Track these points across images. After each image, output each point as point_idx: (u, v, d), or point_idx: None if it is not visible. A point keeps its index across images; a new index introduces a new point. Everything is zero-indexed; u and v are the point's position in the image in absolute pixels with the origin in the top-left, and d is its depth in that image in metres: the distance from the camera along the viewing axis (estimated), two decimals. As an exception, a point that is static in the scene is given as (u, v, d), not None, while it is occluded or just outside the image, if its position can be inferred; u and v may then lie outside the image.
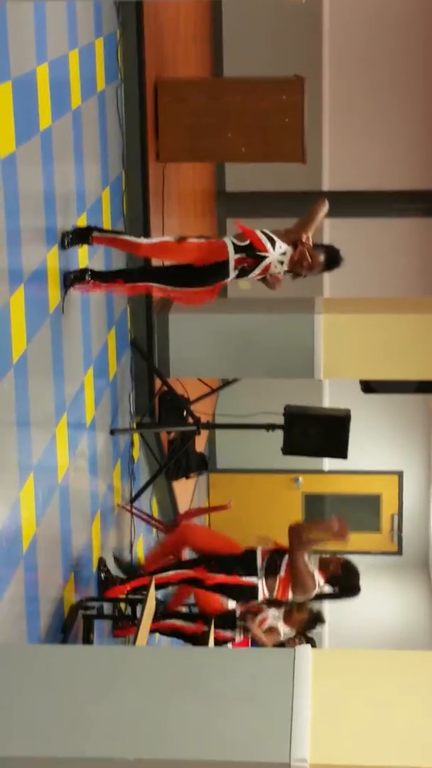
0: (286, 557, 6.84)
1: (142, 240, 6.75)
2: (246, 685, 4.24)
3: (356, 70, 12.80)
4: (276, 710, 4.11)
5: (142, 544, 8.73)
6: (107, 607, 7.11)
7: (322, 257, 6.53)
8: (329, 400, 13.29)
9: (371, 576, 14.39)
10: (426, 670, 4.40)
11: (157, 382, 8.58)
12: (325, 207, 6.57)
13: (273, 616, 6.77)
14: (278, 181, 12.27)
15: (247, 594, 6.87)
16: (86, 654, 4.79)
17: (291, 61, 11.69)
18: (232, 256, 6.39)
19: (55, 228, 6.14)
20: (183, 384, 8.94)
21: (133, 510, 8.14)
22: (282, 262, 6.49)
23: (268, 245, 6.41)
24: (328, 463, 13.55)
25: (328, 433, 8.24)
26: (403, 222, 13.15)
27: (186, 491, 10.48)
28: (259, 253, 6.39)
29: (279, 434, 8.38)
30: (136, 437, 8.52)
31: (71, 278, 6.32)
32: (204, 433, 9.23)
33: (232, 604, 7.03)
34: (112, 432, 7.57)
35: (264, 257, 6.41)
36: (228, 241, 6.43)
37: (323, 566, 6.89)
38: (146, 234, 8.13)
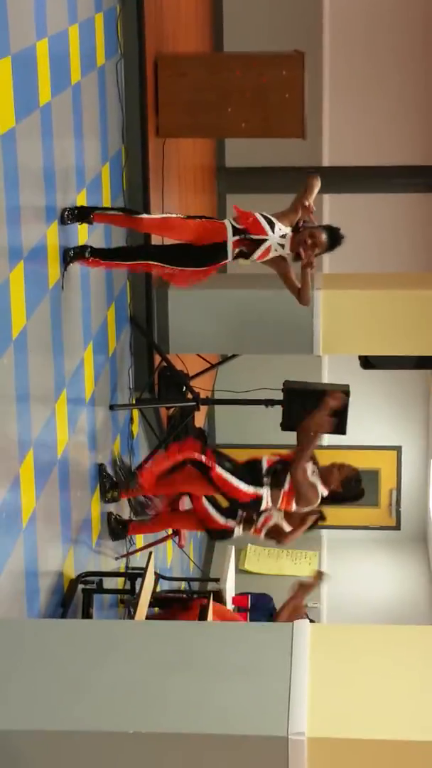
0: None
1: (143, 216, 6.75)
2: (244, 658, 4.28)
3: (357, 45, 12.75)
4: (274, 684, 4.14)
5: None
6: (107, 582, 7.15)
7: (324, 236, 6.51)
8: (328, 375, 13.30)
9: (369, 550, 14.46)
10: (423, 644, 4.43)
11: (157, 358, 8.59)
12: (318, 182, 6.55)
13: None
14: (278, 157, 12.24)
15: (250, 505, 6.90)
16: (85, 628, 4.82)
17: (291, 37, 11.63)
18: (231, 238, 6.39)
19: (54, 204, 6.14)
20: (182, 360, 8.95)
21: (133, 485, 8.16)
22: (282, 245, 6.48)
23: (267, 228, 6.40)
24: (327, 439, 13.57)
25: (327, 409, 8.24)
26: (403, 197, 13.13)
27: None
28: (255, 237, 6.38)
29: (278, 410, 8.40)
30: (136, 413, 8.54)
31: (71, 255, 6.33)
32: (203, 408, 9.24)
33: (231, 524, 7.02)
34: (112, 407, 7.59)
35: (263, 240, 6.41)
36: (228, 222, 6.44)
37: (325, 478, 6.90)
38: (146, 210, 8.12)
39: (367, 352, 9.12)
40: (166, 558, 9.81)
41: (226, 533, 7.10)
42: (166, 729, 4.00)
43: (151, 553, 6.87)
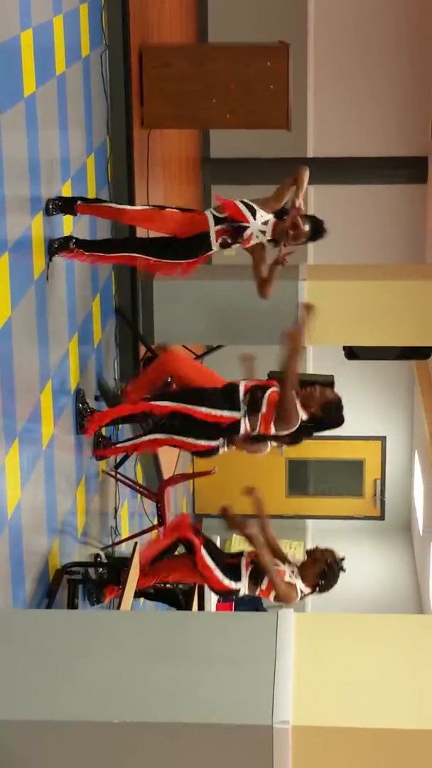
0: (268, 392, 6.85)
1: (127, 207, 6.77)
2: (229, 648, 4.30)
3: (342, 37, 12.75)
4: (259, 673, 4.16)
5: (126, 509, 8.78)
6: (92, 572, 7.16)
7: (307, 227, 6.55)
8: (313, 366, 13.32)
9: (354, 540, 14.51)
10: (407, 633, 4.46)
11: (142, 349, 8.59)
12: (307, 174, 6.58)
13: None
14: (263, 148, 12.25)
15: (229, 429, 6.90)
16: (71, 618, 4.84)
17: (276, 28, 11.65)
18: (213, 228, 6.43)
19: (39, 195, 6.14)
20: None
21: (118, 476, 8.18)
22: (264, 232, 6.51)
23: (249, 215, 6.44)
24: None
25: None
26: (388, 189, 13.15)
27: (170, 458, 10.51)
28: (238, 224, 6.42)
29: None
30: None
31: (56, 246, 6.34)
32: (188, 399, 9.24)
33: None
34: (97, 398, 7.59)
35: (245, 228, 6.44)
36: (209, 213, 6.47)
37: (305, 401, 6.86)
38: (131, 201, 8.12)
39: (352, 342, 9.14)
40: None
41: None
42: (150, 718, 4.02)
43: (136, 543, 6.89)
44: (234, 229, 6.44)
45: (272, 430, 6.85)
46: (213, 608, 8.39)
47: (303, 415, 6.79)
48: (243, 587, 6.71)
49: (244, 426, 6.83)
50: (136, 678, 4.16)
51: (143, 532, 8.37)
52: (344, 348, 9.31)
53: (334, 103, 12.88)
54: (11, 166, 5.54)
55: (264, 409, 6.79)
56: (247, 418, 6.81)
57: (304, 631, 4.38)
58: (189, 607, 7.39)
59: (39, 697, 4.09)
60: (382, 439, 14.49)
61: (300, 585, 6.62)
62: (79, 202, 6.51)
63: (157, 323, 8.62)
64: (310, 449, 14.26)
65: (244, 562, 6.73)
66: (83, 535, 7.24)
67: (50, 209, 6.27)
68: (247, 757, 4.00)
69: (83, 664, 4.22)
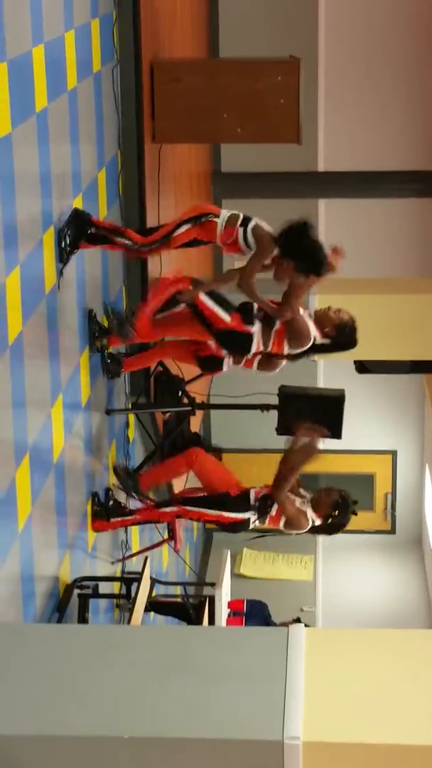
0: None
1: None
2: (239, 663, 4.29)
3: (352, 51, 12.79)
4: (269, 688, 4.15)
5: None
6: (103, 587, 7.16)
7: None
8: (324, 380, 13.32)
9: (365, 555, 14.48)
10: (418, 648, 4.44)
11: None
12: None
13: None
14: (274, 162, 12.27)
15: (242, 343, 6.87)
16: (81, 633, 4.83)
17: (287, 42, 11.67)
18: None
19: (50, 209, 6.16)
20: (178, 364, 8.95)
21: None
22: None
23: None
24: (323, 443, 13.58)
25: (322, 414, 8.26)
26: (398, 202, 13.16)
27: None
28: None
29: (273, 414, 8.41)
30: (132, 417, 8.55)
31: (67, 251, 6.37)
32: (199, 413, 9.25)
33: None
34: (108, 412, 7.60)
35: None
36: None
37: (320, 321, 6.84)
38: (142, 216, 8.13)
39: (362, 356, 9.15)
40: (162, 562, 9.82)
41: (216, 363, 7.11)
42: (161, 734, 4.01)
43: (146, 557, 6.89)
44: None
45: (285, 349, 6.81)
46: (223, 623, 8.37)
47: (316, 334, 6.74)
48: (257, 330, 6.73)
49: (257, 342, 6.80)
50: (146, 693, 4.15)
51: (154, 546, 8.37)
52: (355, 362, 9.32)
53: (344, 117, 12.90)
54: (23, 181, 5.56)
55: (278, 325, 6.76)
56: (260, 333, 6.78)
57: (315, 646, 4.37)
58: (199, 622, 7.39)
59: (49, 711, 4.09)
60: (393, 453, 14.47)
61: (311, 514, 6.63)
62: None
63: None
64: (322, 463, 14.25)
65: (253, 492, 6.74)
66: (94, 549, 7.24)
67: (64, 255, 6.31)
68: (258, 773, 3.99)
69: (93, 678, 4.22)
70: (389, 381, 12.92)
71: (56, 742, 4.02)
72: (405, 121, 12.87)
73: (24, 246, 5.61)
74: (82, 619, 6.54)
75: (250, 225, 6.57)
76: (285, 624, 8.62)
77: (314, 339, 6.76)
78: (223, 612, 8.30)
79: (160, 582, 8.14)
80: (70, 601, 6.32)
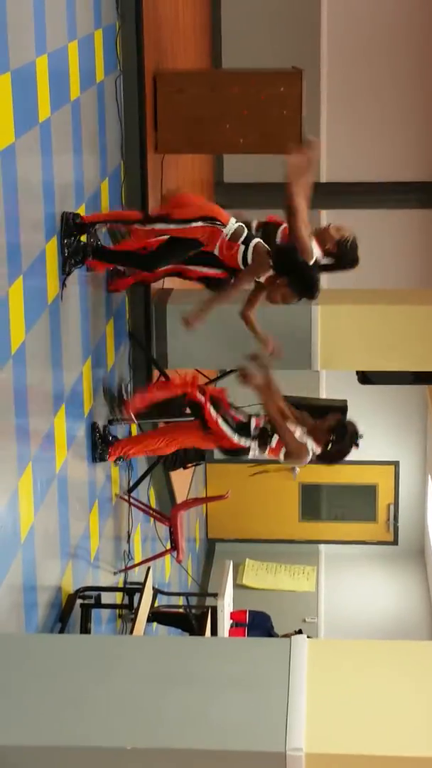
0: (281, 228, 6.83)
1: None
2: (242, 673, 4.28)
3: (355, 62, 12.80)
4: (272, 699, 4.15)
5: (139, 534, 8.76)
6: (105, 597, 7.15)
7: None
8: (326, 390, 13.31)
9: (367, 565, 14.46)
10: (421, 660, 4.43)
11: (155, 373, 8.60)
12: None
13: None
14: (276, 172, 12.25)
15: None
16: (84, 643, 4.82)
17: (289, 53, 11.69)
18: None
19: (54, 218, 6.17)
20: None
21: (131, 500, 8.17)
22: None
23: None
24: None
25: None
26: (400, 213, 13.17)
27: (183, 481, 10.52)
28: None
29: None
30: (134, 427, 8.54)
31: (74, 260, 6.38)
32: (201, 423, 9.24)
33: None
34: (110, 422, 7.60)
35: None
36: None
37: (321, 238, 6.80)
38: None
39: (365, 367, 9.14)
40: (164, 573, 9.81)
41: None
42: (163, 745, 4.00)
43: (149, 568, 6.88)
44: None
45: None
46: (226, 633, 8.36)
47: (317, 251, 6.72)
48: (252, 448, 6.69)
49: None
50: (148, 704, 4.14)
51: (156, 556, 8.37)
52: (357, 373, 9.30)
53: (346, 128, 12.91)
54: (26, 191, 5.56)
55: (279, 240, 6.74)
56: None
57: (318, 657, 4.36)
58: (202, 633, 7.38)
59: (51, 722, 4.08)
60: (395, 464, 14.46)
61: (311, 444, 6.60)
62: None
63: (170, 347, 8.63)
64: (324, 474, 14.25)
65: (254, 421, 6.72)
66: (96, 559, 7.23)
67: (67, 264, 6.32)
68: (261, 784, 3.98)
69: (95, 689, 4.21)
70: (392, 392, 12.90)
71: (58, 753, 4.01)
72: (408, 131, 12.88)
73: (27, 256, 5.61)
74: (85, 629, 6.53)
75: (252, 243, 6.59)
76: (287, 636, 8.61)
77: (314, 257, 6.72)
78: (225, 623, 8.29)
79: (162, 592, 8.14)
80: (72, 612, 6.31)
